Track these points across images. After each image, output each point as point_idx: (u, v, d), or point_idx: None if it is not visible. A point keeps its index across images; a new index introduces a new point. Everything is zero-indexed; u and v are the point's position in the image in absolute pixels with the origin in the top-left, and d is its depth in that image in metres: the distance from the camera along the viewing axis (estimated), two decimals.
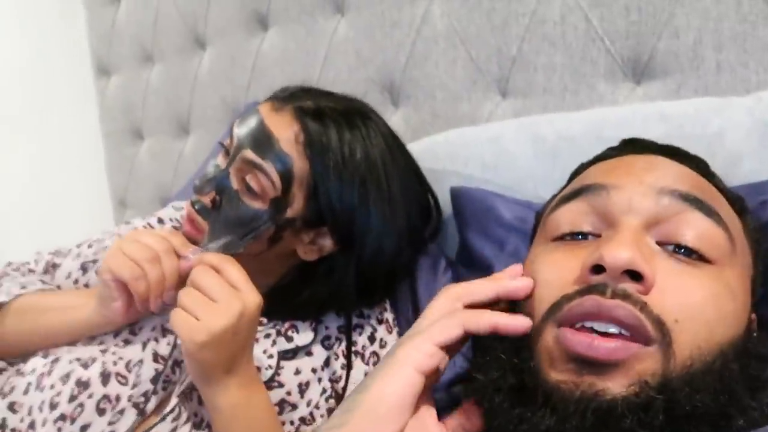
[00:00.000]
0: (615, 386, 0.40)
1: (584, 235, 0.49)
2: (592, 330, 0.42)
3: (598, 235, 0.48)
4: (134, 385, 0.66)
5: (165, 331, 0.70)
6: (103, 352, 0.67)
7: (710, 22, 0.76)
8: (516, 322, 0.44)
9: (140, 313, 0.66)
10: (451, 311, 0.46)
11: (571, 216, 0.50)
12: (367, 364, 0.72)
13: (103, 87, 1.72)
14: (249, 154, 0.67)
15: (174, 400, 0.66)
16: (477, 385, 0.46)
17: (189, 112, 1.46)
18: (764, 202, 0.61)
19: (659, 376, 0.41)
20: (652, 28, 0.80)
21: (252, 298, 0.61)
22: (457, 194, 0.83)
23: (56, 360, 0.66)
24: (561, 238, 0.50)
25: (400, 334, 0.76)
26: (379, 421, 0.41)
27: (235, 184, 0.67)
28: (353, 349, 0.73)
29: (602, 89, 0.85)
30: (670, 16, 0.78)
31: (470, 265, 0.79)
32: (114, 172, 1.73)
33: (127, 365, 0.66)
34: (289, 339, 0.72)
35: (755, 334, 0.50)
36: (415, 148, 0.90)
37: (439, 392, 0.63)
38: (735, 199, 0.54)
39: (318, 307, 0.74)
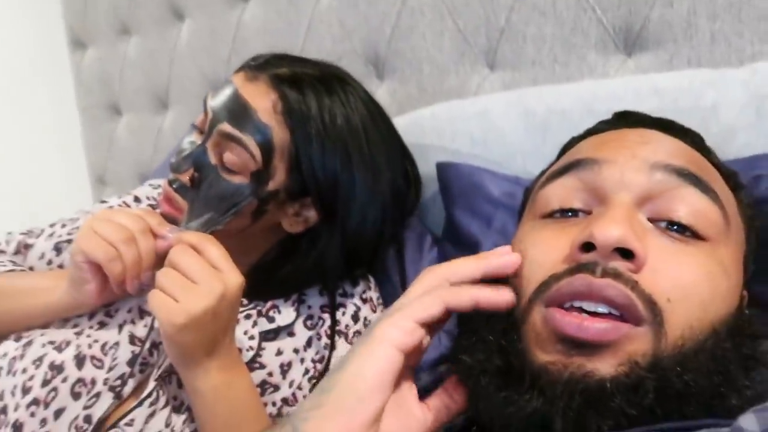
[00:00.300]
0: (604, 367, 0.39)
1: (574, 212, 0.47)
2: (581, 310, 0.41)
3: (589, 212, 0.47)
4: (110, 368, 0.64)
5: (142, 313, 0.68)
6: (78, 334, 0.65)
7: None
8: (499, 297, 0.42)
9: (115, 294, 0.64)
10: (436, 285, 0.44)
11: (562, 192, 0.48)
12: (351, 343, 0.71)
13: (79, 60, 1.67)
14: (226, 127, 0.64)
15: (152, 384, 0.64)
16: (462, 367, 0.44)
17: (168, 86, 1.42)
18: (758, 177, 0.60)
19: (650, 356, 0.40)
20: None
21: (233, 278, 0.59)
22: (443, 170, 0.81)
23: (29, 343, 0.64)
24: (550, 215, 0.49)
25: None
26: (358, 401, 0.39)
27: (213, 159, 0.65)
28: (336, 328, 0.71)
29: (593, 61, 0.83)
30: None
31: (457, 242, 0.78)
32: (92, 148, 1.69)
33: (102, 348, 0.64)
34: (271, 319, 0.70)
35: (746, 312, 0.49)
36: (400, 122, 0.88)
37: (424, 371, 0.62)
38: (729, 174, 0.52)
39: (301, 281, 0.72)
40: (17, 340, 0.66)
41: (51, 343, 0.64)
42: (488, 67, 0.93)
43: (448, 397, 0.45)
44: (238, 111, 0.65)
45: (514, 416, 0.40)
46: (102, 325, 0.66)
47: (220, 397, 0.61)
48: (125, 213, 0.63)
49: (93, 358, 0.63)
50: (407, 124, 0.87)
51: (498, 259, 0.45)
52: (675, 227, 0.44)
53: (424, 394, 0.57)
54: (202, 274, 0.58)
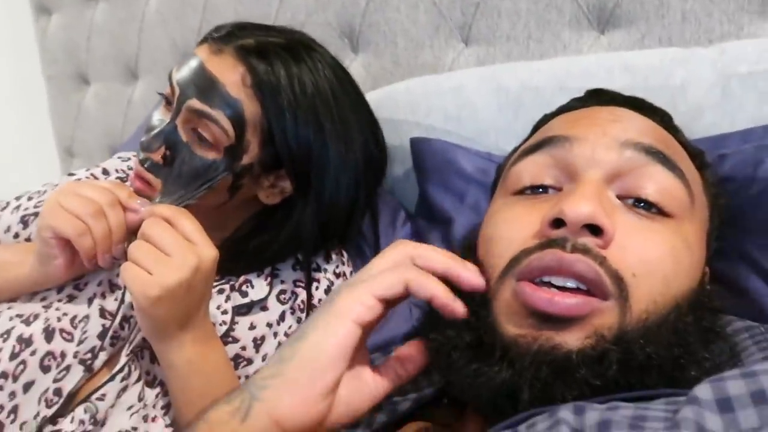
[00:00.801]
0: (572, 340, 0.41)
1: (545, 189, 0.48)
2: (551, 285, 0.42)
3: (560, 189, 0.48)
4: (80, 342, 0.63)
5: (113, 286, 0.67)
6: (47, 308, 0.64)
7: None
8: (455, 306, 0.42)
9: (84, 268, 0.63)
10: (401, 261, 0.44)
11: (533, 168, 0.49)
12: None
13: (44, 27, 1.61)
14: (195, 103, 0.63)
15: (124, 358, 0.64)
16: (433, 344, 0.45)
17: (137, 55, 1.39)
18: (723, 156, 0.61)
19: (615, 329, 0.41)
20: None
21: (207, 251, 0.59)
22: (417, 145, 0.81)
23: None
24: (522, 191, 0.49)
25: None
26: (316, 372, 0.40)
27: (184, 136, 0.64)
28: (311, 302, 0.72)
29: (567, 38, 0.84)
30: None
31: (430, 217, 0.79)
32: (59, 118, 1.64)
33: (72, 321, 0.64)
34: (244, 294, 0.70)
35: (708, 288, 0.50)
36: (375, 96, 0.87)
37: (397, 345, 0.63)
38: (696, 153, 0.54)
39: (276, 254, 0.72)
40: None
41: (19, 316, 0.63)
42: (463, 42, 0.93)
43: (401, 365, 0.46)
44: (206, 86, 0.64)
45: (484, 387, 0.41)
46: (71, 298, 0.66)
47: (194, 371, 0.61)
48: (92, 186, 0.62)
49: (62, 331, 0.63)
50: (381, 99, 0.87)
51: (466, 273, 0.44)
52: (642, 204, 0.46)
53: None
54: (175, 246, 0.57)
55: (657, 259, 0.43)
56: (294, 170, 0.67)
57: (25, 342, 0.61)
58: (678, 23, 0.75)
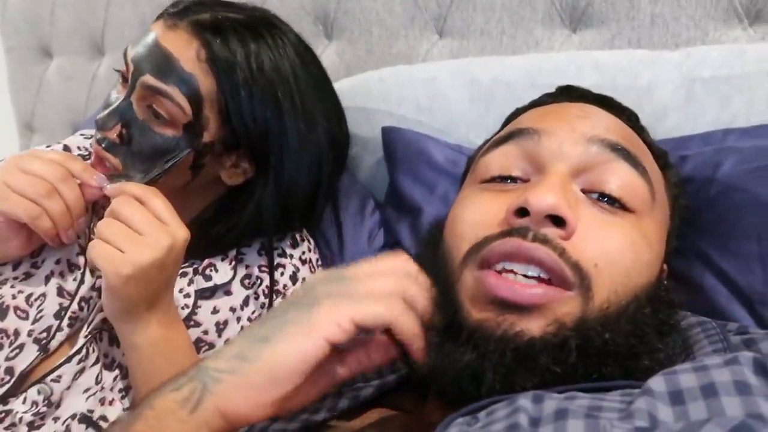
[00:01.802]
0: (534, 327, 0.42)
1: (513, 180, 0.50)
2: (513, 273, 0.43)
3: (527, 180, 0.49)
4: (35, 320, 0.62)
5: (71, 266, 0.65)
6: (1, 284, 0.63)
7: None
8: (420, 354, 0.41)
9: (42, 241, 0.62)
10: (392, 293, 0.41)
11: (502, 159, 0.50)
12: None
13: None
14: (149, 79, 0.62)
15: (81, 340, 0.63)
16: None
17: (103, 29, 1.35)
18: (684, 157, 0.63)
19: (577, 318, 0.42)
20: None
21: (180, 232, 0.59)
22: (389, 134, 0.81)
23: None
24: (490, 180, 0.50)
25: None
26: (276, 381, 0.39)
27: (139, 113, 0.63)
28: (275, 288, 0.71)
29: (539, 34, 0.85)
30: None
31: (399, 207, 0.79)
32: (18, 92, 1.59)
33: (27, 299, 0.62)
34: (208, 278, 0.69)
35: (665, 283, 0.52)
36: (347, 84, 0.87)
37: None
38: (660, 153, 0.55)
39: (238, 236, 0.71)
40: None
41: None
42: (437, 34, 0.93)
43: (366, 354, 0.44)
44: (161, 61, 0.62)
45: (449, 369, 0.42)
46: (28, 275, 0.64)
47: (157, 352, 0.60)
48: (40, 160, 0.59)
49: (17, 308, 0.61)
50: (354, 87, 0.86)
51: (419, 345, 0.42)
52: (605, 199, 0.47)
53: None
54: (147, 225, 0.57)
55: (617, 251, 0.45)
56: (251, 149, 0.66)
57: None
58: (647, 26, 0.77)
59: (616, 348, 0.42)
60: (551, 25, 0.84)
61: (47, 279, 0.64)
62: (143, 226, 0.57)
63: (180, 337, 0.63)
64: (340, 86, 0.86)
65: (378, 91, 0.85)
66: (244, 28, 0.65)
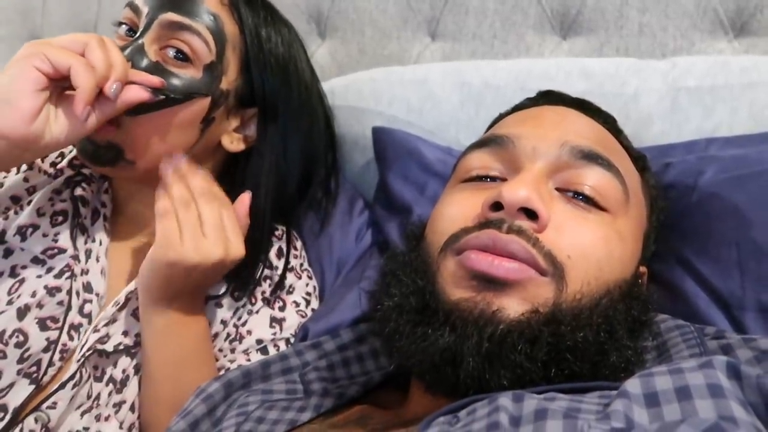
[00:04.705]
0: (511, 306, 0.43)
1: (492, 179, 0.52)
2: None
3: (504, 179, 0.51)
4: (22, 359, 0.58)
5: (52, 290, 0.61)
6: None
7: None
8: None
9: (41, 130, 0.53)
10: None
11: (480, 161, 0.52)
12: (273, 308, 0.70)
13: None
14: (172, 16, 0.60)
15: (75, 365, 0.60)
16: (382, 311, 0.48)
17: (96, 22, 1.34)
18: (668, 164, 0.64)
19: (551, 305, 0.44)
20: None
21: (235, 251, 0.61)
22: (379, 134, 0.82)
23: None
24: (469, 180, 0.53)
25: (310, 277, 0.75)
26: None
27: (153, 55, 0.60)
28: (264, 296, 0.70)
29: (530, 40, 0.86)
30: None
31: (389, 206, 0.79)
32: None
33: (1, 337, 0.58)
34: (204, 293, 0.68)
35: (643, 286, 0.53)
36: (339, 83, 0.87)
37: (345, 329, 0.64)
38: (638, 157, 0.57)
39: None
40: None
41: None
42: (430, 36, 0.94)
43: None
44: (183, 1, 0.61)
45: (428, 351, 0.43)
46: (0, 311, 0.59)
47: (172, 333, 0.60)
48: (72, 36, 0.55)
49: None
50: (346, 86, 0.87)
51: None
52: (580, 197, 0.49)
53: (343, 351, 0.60)
54: (214, 231, 0.59)
55: (590, 244, 0.46)
56: (263, 105, 0.66)
57: None
58: (635, 35, 0.78)
59: (586, 344, 0.43)
60: (542, 31, 0.85)
61: (21, 313, 0.59)
62: (210, 231, 0.58)
63: (196, 326, 0.63)
64: (331, 85, 0.87)
65: (369, 91, 0.86)
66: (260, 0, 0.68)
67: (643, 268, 0.54)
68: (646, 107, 0.70)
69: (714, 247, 0.59)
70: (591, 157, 0.50)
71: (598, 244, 0.47)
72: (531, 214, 0.46)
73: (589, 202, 0.49)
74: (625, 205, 0.50)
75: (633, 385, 0.37)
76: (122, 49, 0.58)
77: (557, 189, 0.49)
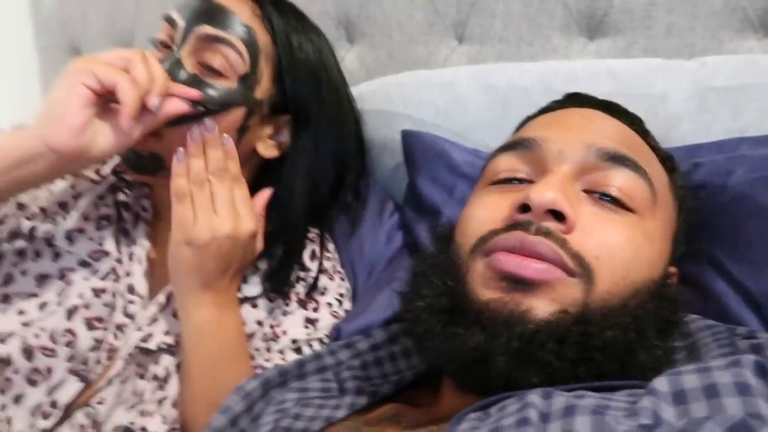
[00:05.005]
0: (540, 307, 0.44)
1: (520, 181, 0.52)
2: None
3: (531, 182, 0.51)
4: (71, 358, 0.61)
5: (97, 292, 0.65)
6: (25, 325, 0.62)
7: None
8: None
9: (88, 140, 0.56)
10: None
11: (508, 164, 0.53)
12: (307, 309, 0.72)
13: None
14: (207, 29, 0.62)
15: (121, 363, 0.63)
16: (413, 312, 0.49)
17: (133, 31, 1.38)
18: (697, 164, 0.64)
19: (579, 305, 0.44)
20: None
21: (246, 224, 0.63)
22: (408, 137, 0.83)
23: None
24: (497, 182, 0.53)
25: (342, 279, 0.77)
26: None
27: (190, 68, 0.63)
28: (298, 297, 0.72)
29: (556, 42, 0.86)
30: None
31: (418, 208, 0.81)
32: (49, 91, 1.63)
33: (51, 336, 0.61)
34: (238, 289, 0.70)
35: (673, 286, 0.54)
36: (368, 88, 0.89)
37: (377, 328, 0.65)
38: (666, 157, 0.57)
39: (269, 238, 0.71)
40: None
41: None
42: (456, 40, 0.95)
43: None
44: (217, 14, 0.63)
45: (458, 350, 0.44)
46: (49, 312, 0.63)
47: (208, 331, 0.63)
48: (115, 52, 0.58)
49: (43, 348, 0.61)
50: (374, 91, 0.88)
51: None
52: (607, 198, 0.49)
53: (376, 351, 0.61)
54: (223, 207, 0.61)
55: (617, 244, 0.47)
56: (296, 112, 0.68)
57: (4, 361, 0.60)
58: (662, 35, 0.78)
59: (615, 343, 0.44)
60: (568, 33, 0.85)
61: (70, 314, 0.63)
62: (220, 207, 0.61)
63: (232, 323, 0.65)
64: (360, 90, 0.88)
65: (398, 95, 0.87)
66: (290, 7, 0.70)
67: (672, 269, 0.54)
68: (674, 107, 0.70)
69: (745, 246, 0.59)
70: (618, 159, 0.50)
71: (625, 244, 0.47)
72: (558, 215, 0.47)
73: (617, 203, 0.49)
74: (653, 205, 0.50)
75: (661, 383, 0.38)
76: (161, 62, 0.61)
77: (584, 191, 0.50)
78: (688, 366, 0.39)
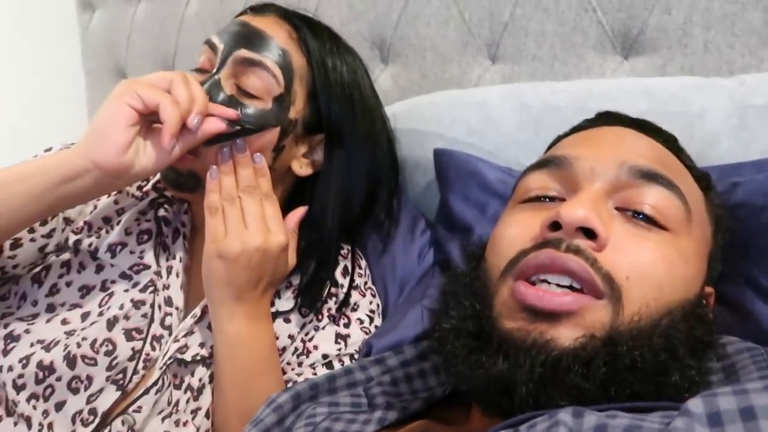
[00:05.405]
0: (564, 335, 0.43)
1: (551, 199, 0.52)
2: (546, 282, 0.45)
3: (563, 200, 0.51)
4: (110, 367, 0.63)
5: (137, 304, 0.66)
6: (68, 334, 0.64)
7: (701, 0, 0.76)
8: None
9: (131, 159, 0.59)
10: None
11: (539, 182, 0.53)
12: (338, 325, 0.73)
13: (87, 22, 1.67)
14: (244, 53, 0.65)
15: (157, 372, 0.65)
16: (441, 333, 0.49)
17: (175, 53, 1.43)
18: (735, 184, 0.63)
19: (607, 329, 0.44)
20: (644, 2, 0.80)
21: (276, 239, 0.64)
22: (440, 156, 0.83)
23: (11, 337, 0.64)
24: (528, 200, 0.53)
25: (374, 295, 0.78)
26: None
27: (228, 90, 0.65)
28: (329, 313, 0.73)
29: (591, 60, 0.86)
30: None
31: (450, 226, 0.81)
32: (95, 111, 1.69)
33: (92, 346, 0.63)
34: (270, 303, 0.71)
35: (709, 306, 0.53)
36: (401, 107, 0.90)
37: (407, 345, 0.66)
38: (701, 176, 0.56)
39: (302, 254, 0.72)
40: None
41: (39, 342, 0.63)
42: (490, 59, 0.95)
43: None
44: (255, 37, 0.66)
45: (481, 378, 0.44)
46: (91, 322, 0.65)
47: (240, 344, 0.64)
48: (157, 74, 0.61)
49: (84, 357, 0.62)
50: (407, 110, 0.89)
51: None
52: (640, 216, 0.49)
53: (406, 367, 0.62)
54: (254, 222, 0.63)
55: (650, 264, 0.46)
56: (330, 131, 0.70)
57: (47, 369, 0.62)
58: (700, 53, 0.77)
59: (645, 365, 0.43)
60: (603, 51, 0.85)
61: (111, 324, 0.64)
62: (250, 222, 0.63)
63: (264, 335, 0.66)
64: (393, 109, 0.89)
65: (430, 114, 0.88)
66: (325, 30, 0.72)
67: (709, 289, 0.53)
68: (712, 126, 0.69)
69: None
70: (650, 177, 0.50)
71: (658, 263, 0.46)
72: (589, 233, 0.46)
73: (650, 221, 0.48)
74: (687, 224, 0.50)
75: (695, 404, 0.37)
76: (201, 83, 0.64)
77: (617, 208, 0.49)
78: (725, 388, 0.38)
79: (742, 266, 0.60)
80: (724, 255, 0.57)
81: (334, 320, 0.73)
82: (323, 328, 0.72)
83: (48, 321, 0.66)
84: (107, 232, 0.70)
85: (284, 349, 0.71)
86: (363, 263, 0.79)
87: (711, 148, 0.68)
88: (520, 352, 0.43)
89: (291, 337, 0.71)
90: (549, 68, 0.89)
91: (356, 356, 0.71)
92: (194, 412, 0.66)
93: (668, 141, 0.57)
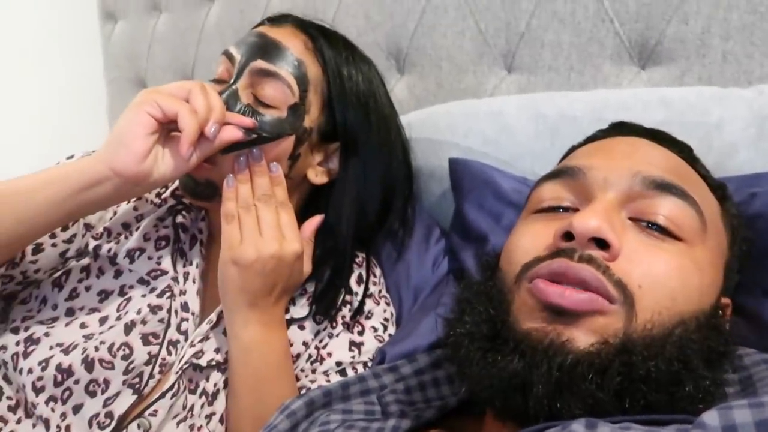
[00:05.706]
0: (580, 337, 0.43)
1: (565, 209, 0.52)
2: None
3: (576, 210, 0.51)
4: (127, 371, 0.64)
5: (154, 309, 0.67)
6: (86, 338, 0.65)
7: (720, 10, 0.76)
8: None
9: (150, 167, 0.60)
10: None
11: (552, 192, 0.53)
12: (352, 332, 0.73)
13: (109, 33, 1.70)
14: (260, 63, 0.66)
15: (173, 377, 0.65)
16: (455, 338, 0.49)
17: (194, 64, 1.46)
18: (754, 194, 0.62)
19: (621, 335, 0.44)
20: (662, 12, 0.80)
21: (291, 246, 0.65)
22: (456, 165, 0.84)
23: (30, 340, 0.65)
24: (541, 210, 0.53)
25: (388, 303, 0.78)
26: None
27: (245, 99, 0.66)
28: (344, 320, 0.73)
29: (607, 71, 0.86)
30: (680, 1, 0.78)
31: (464, 235, 0.81)
32: (116, 120, 1.72)
33: (110, 350, 0.64)
34: (285, 310, 0.71)
35: (726, 317, 0.52)
36: (417, 116, 0.91)
37: (422, 353, 0.66)
38: (717, 186, 0.56)
39: (318, 261, 0.73)
40: (14, 332, 0.66)
41: (59, 345, 0.64)
42: (506, 70, 0.96)
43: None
44: (271, 48, 0.67)
45: (497, 377, 0.44)
46: (109, 326, 0.66)
47: (254, 349, 0.64)
48: (175, 84, 0.62)
49: (102, 360, 0.63)
50: (423, 119, 0.90)
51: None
52: (654, 227, 0.49)
53: (420, 375, 0.62)
54: (269, 230, 0.64)
55: (663, 274, 0.46)
56: (345, 139, 0.71)
57: (66, 372, 0.62)
58: (718, 63, 0.77)
59: (659, 374, 0.43)
60: (620, 61, 0.85)
61: (128, 329, 0.65)
62: (266, 229, 0.64)
63: (278, 342, 0.66)
64: (409, 118, 0.90)
65: (446, 124, 0.88)
66: (341, 39, 0.73)
67: (726, 300, 0.53)
68: (730, 136, 0.68)
69: None
70: (664, 187, 0.49)
71: (672, 273, 0.46)
72: (602, 243, 0.46)
73: (664, 231, 0.48)
74: (702, 234, 0.49)
75: (711, 417, 0.37)
76: (219, 93, 0.65)
77: (630, 219, 0.49)
78: (741, 400, 0.38)
79: (759, 277, 0.59)
80: (741, 265, 0.56)
81: (348, 328, 0.73)
82: (337, 335, 0.72)
83: (67, 325, 0.67)
84: (126, 237, 0.71)
85: (298, 355, 0.71)
86: (378, 271, 0.80)
87: (729, 159, 0.68)
88: (537, 352, 0.43)
89: (305, 344, 0.71)
90: (565, 79, 0.89)
91: (370, 364, 0.71)
92: (209, 416, 0.66)
93: (683, 151, 0.56)
